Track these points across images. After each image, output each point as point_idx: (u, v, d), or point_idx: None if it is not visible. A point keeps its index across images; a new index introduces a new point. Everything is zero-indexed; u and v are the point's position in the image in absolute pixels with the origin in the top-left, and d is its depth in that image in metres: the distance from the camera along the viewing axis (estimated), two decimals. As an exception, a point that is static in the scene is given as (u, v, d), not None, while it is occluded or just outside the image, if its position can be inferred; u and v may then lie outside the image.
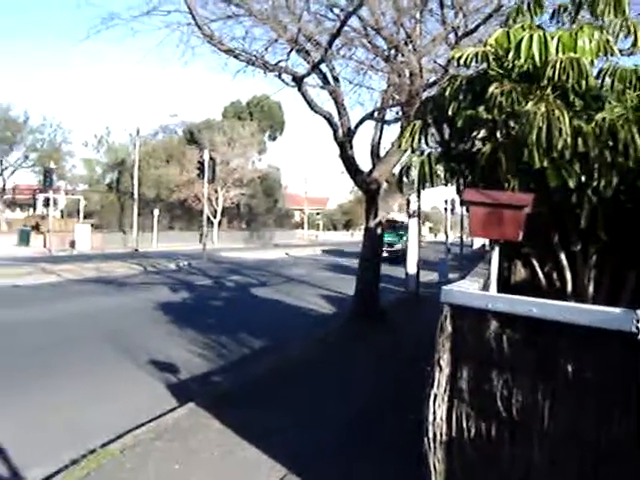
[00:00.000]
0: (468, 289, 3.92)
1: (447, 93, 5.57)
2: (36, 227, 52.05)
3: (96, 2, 14.52)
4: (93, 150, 70.95)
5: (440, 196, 44.71)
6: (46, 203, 49.73)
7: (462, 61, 5.49)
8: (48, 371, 10.24)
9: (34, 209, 68.21)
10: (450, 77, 5.90)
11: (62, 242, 45.92)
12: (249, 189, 68.74)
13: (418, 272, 21.48)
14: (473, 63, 5.53)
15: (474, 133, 5.51)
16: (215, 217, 64.42)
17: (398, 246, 43.17)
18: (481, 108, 5.34)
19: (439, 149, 6.12)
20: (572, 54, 4.87)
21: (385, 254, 38.12)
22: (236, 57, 14.22)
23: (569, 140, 4.66)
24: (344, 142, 15.30)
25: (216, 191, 62.44)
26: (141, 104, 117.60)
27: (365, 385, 9.55)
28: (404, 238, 38.30)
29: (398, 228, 44.27)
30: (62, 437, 7.27)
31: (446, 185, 6.14)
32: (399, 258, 37.49)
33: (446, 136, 6.04)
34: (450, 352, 3.58)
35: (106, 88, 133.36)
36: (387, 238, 38.76)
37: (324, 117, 15.14)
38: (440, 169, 5.69)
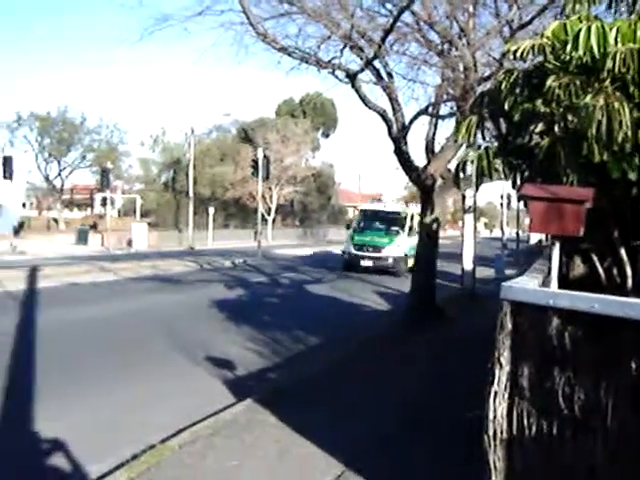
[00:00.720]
0: (528, 285, 3.87)
1: (503, 87, 5.50)
2: (94, 226, 52.99)
3: (149, 3, 14.65)
4: (149, 150, 71.98)
5: (495, 191, 41.15)
6: (103, 202, 50.66)
7: (518, 54, 5.43)
8: (106, 369, 10.40)
9: (92, 208, 69.69)
10: (506, 70, 5.83)
11: (119, 241, 46.67)
12: (303, 186, 68.90)
13: (474, 268, 21.27)
14: (529, 56, 5.45)
15: (532, 127, 5.43)
16: (269, 215, 64.73)
17: (390, 251, 29.23)
18: (538, 102, 5.28)
19: (495, 144, 6.06)
20: (632, 45, 4.77)
21: (366, 263, 29.21)
22: (290, 55, 14.24)
23: (629, 133, 4.57)
24: (398, 138, 15.22)
25: (270, 189, 62.72)
26: (195, 104, 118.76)
27: (422, 382, 9.50)
28: (401, 239, 29.80)
29: (391, 222, 30.94)
30: (121, 433, 7.39)
31: (506, 179, 6.08)
32: (393, 269, 28.75)
33: (503, 130, 5.98)
34: (510, 349, 3.54)
35: (161, 89, 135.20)
36: (368, 238, 29.93)
37: (378, 113, 15.08)
38: (498, 163, 5.63)
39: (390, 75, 15.08)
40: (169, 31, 14.25)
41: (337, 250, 36.75)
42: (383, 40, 13.18)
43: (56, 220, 63.83)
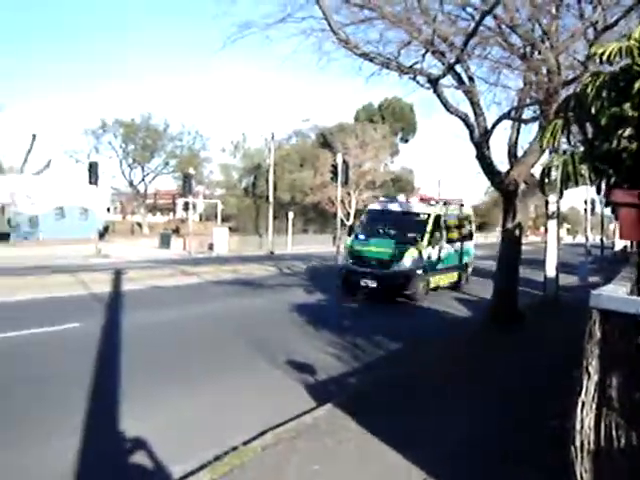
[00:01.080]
0: (617, 293, 3.79)
1: (589, 90, 5.39)
2: (176, 230, 54.19)
3: (232, 12, 14.85)
4: (230, 156, 73.24)
5: (578, 196, 40.12)
6: (185, 207, 51.77)
7: (604, 57, 5.31)
8: (188, 370, 10.60)
9: (174, 213, 71.32)
10: (592, 73, 5.70)
11: (201, 245, 47.45)
12: (382, 191, 68.69)
13: (557, 275, 20.85)
14: (616, 59, 5.33)
15: (619, 131, 5.30)
16: (348, 219, 64.70)
17: (402, 266, 20.77)
18: (626, 105, 5.15)
19: (580, 148, 5.94)
20: None
21: (367, 282, 20.60)
22: (371, 60, 14.26)
23: None
24: (480, 142, 15.08)
25: (349, 194, 62.73)
26: (275, 110, 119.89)
27: (504, 389, 9.36)
28: (419, 249, 21.37)
29: (406, 227, 22.38)
30: (204, 434, 7.53)
31: (591, 185, 5.96)
32: (405, 291, 20.66)
33: (589, 135, 5.86)
34: (599, 359, 3.47)
35: (242, 95, 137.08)
36: (372, 248, 21.61)
37: (460, 118, 14.98)
38: (584, 169, 5.52)
39: (471, 79, 14.97)
40: (251, 39, 14.47)
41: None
42: (465, 44, 13.07)
43: (140, 224, 65.50)
